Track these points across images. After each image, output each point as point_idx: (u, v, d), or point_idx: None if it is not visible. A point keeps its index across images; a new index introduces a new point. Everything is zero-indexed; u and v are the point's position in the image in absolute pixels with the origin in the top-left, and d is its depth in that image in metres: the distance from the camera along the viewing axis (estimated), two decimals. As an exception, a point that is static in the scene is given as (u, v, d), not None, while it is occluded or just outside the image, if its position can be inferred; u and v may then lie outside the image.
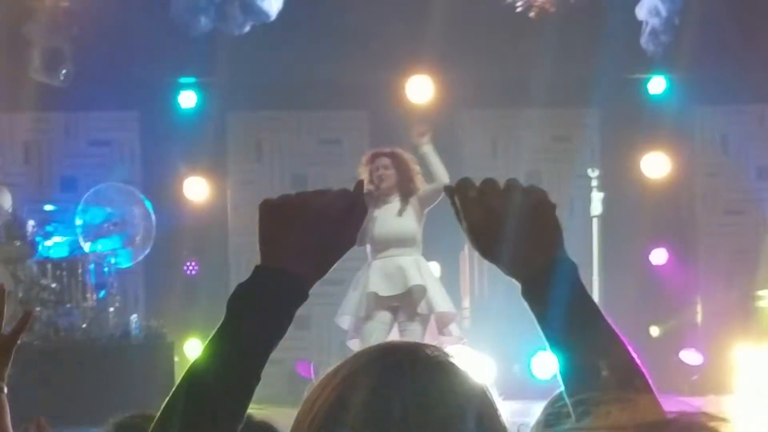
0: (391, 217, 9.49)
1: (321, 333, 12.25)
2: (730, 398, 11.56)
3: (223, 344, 1.81)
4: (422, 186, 9.55)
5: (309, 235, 1.87)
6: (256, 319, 1.81)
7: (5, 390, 2.75)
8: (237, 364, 1.80)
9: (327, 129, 13.01)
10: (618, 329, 1.90)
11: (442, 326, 9.52)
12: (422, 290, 9.39)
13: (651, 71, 12.66)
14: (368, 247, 9.52)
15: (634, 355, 1.89)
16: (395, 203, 9.55)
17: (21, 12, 12.23)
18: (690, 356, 12.39)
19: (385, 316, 9.48)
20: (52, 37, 12.38)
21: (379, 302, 9.43)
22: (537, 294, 1.89)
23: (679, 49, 12.06)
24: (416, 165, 9.58)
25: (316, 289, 1.89)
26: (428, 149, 9.71)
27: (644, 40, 11.94)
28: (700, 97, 12.66)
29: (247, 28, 11.70)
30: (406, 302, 9.45)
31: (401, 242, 9.51)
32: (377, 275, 9.45)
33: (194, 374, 1.80)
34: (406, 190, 9.53)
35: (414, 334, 9.18)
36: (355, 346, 9.19)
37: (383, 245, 9.48)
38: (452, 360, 1.76)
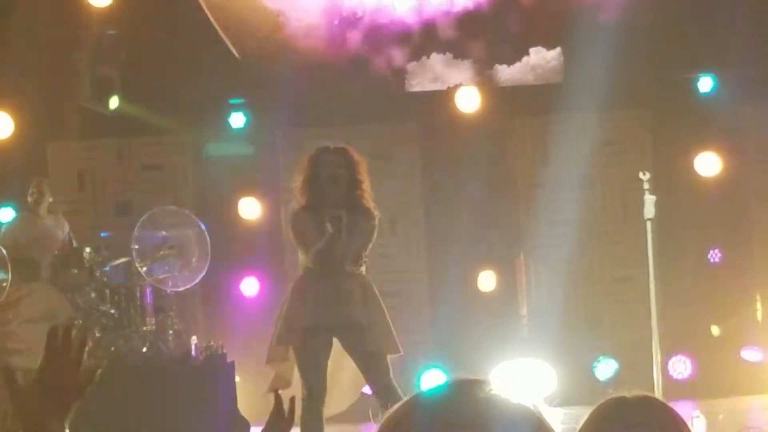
0: None
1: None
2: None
3: None
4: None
5: None
6: None
7: None
8: None
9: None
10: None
11: None
12: None
13: (700, 70, 12.58)
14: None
15: None
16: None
17: (69, 41, 12.35)
18: (751, 354, 12.28)
19: None
20: (100, 65, 12.50)
21: None
22: None
23: (728, 46, 11.97)
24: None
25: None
26: None
27: None
28: (750, 94, 12.54)
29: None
30: None
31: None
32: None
33: None
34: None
35: None
36: None
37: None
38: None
